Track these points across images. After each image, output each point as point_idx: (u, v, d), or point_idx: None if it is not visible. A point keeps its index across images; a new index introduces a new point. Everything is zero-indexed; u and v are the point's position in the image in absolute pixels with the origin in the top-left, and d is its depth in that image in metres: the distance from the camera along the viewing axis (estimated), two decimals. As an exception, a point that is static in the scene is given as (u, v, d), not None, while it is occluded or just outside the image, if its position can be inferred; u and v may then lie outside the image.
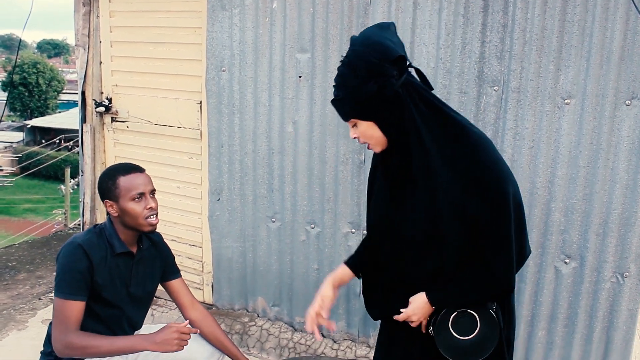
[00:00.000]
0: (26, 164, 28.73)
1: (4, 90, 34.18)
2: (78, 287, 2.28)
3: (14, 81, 32.73)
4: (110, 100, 4.27)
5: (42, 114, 34.06)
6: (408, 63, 1.72)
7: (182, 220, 4.10)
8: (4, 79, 35.10)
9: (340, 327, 3.62)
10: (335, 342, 3.65)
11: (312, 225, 3.60)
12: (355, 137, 1.83)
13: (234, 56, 3.65)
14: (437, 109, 1.76)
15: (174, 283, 2.71)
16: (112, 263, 2.39)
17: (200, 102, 3.88)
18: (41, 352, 2.52)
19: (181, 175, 4.04)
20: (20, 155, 29.33)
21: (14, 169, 29.07)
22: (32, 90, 32.78)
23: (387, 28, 1.73)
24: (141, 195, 2.35)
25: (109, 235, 2.39)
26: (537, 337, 3.15)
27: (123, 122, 4.26)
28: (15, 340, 3.64)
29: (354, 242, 3.50)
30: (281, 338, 3.73)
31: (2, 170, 29.05)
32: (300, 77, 3.48)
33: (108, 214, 2.43)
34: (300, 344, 3.66)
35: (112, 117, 4.31)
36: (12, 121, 34.45)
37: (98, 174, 4.33)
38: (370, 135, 1.79)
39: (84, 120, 4.37)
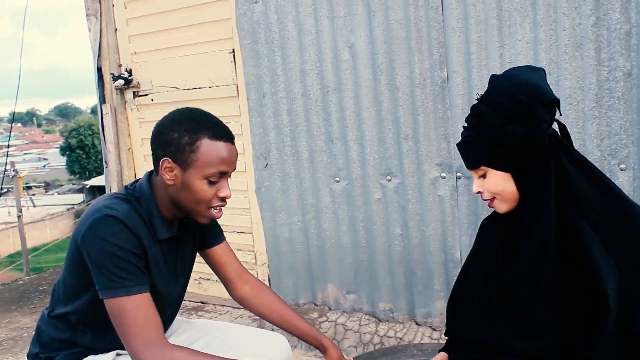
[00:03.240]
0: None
1: (63, 155, 35.09)
2: (141, 273, 1.57)
3: (72, 145, 33.52)
4: (130, 71, 3.63)
5: (100, 173, 34.58)
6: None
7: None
8: (62, 144, 36.08)
9: (440, 309, 2.73)
10: (434, 329, 2.76)
11: (389, 177, 2.77)
12: (478, 192, 1.54)
13: (268, -20, 2.94)
14: (588, 169, 1.49)
15: (218, 250, 1.94)
16: (155, 248, 1.66)
17: (233, 50, 3.19)
18: (47, 313, 1.78)
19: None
20: (81, 216, 29.63)
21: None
22: (88, 152, 33.24)
23: (537, 71, 1.51)
24: (221, 175, 1.60)
25: (147, 212, 1.63)
26: None
27: (146, 95, 3.61)
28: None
29: (446, 190, 2.65)
30: (362, 332, 2.87)
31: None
32: (352, -13, 2.72)
33: (151, 173, 1.68)
34: (389, 337, 2.79)
35: (134, 92, 3.65)
36: (73, 184, 34.99)
37: (124, 163, 3.68)
38: (501, 189, 1.50)
39: (103, 101, 3.73)
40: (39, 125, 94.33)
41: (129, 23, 3.63)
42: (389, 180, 2.77)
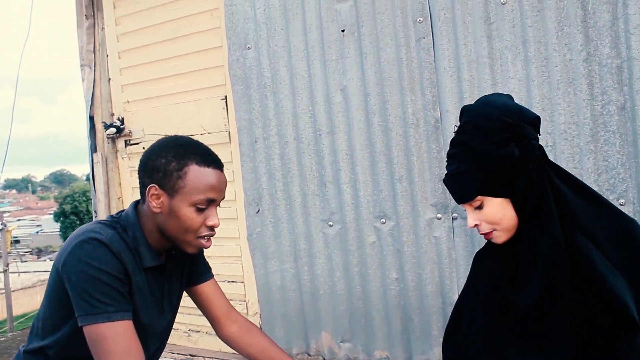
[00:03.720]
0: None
1: (57, 221, 34.91)
2: (124, 299, 1.49)
3: (66, 211, 33.37)
4: (122, 120, 3.60)
5: (94, 240, 34.23)
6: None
7: (216, 252, 3.24)
8: (56, 210, 35.96)
9: (438, 355, 2.61)
10: (434, 378, 2.63)
11: (383, 220, 2.70)
12: (475, 225, 1.49)
13: (260, 26, 2.96)
14: (574, 182, 1.48)
15: (205, 287, 1.87)
16: (140, 276, 1.58)
17: (225, 97, 3.17)
18: (23, 349, 1.67)
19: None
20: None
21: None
22: (82, 218, 32.98)
23: (508, 96, 1.51)
24: (209, 203, 1.55)
25: (133, 239, 1.56)
26: None
27: (138, 143, 3.56)
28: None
29: (442, 231, 2.58)
30: (359, 383, 2.73)
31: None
32: (343, 31, 2.74)
33: (137, 203, 1.63)
34: (386, 386, 2.65)
35: (125, 141, 3.61)
36: (66, 250, 34.61)
37: (114, 212, 3.59)
38: (500, 217, 1.45)
39: (94, 149, 3.68)
40: (33, 192, 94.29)
41: (123, 72, 3.63)
42: (384, 223, 2.70)
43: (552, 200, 1.41)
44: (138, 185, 1.60)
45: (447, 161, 1.51)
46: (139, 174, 1.60)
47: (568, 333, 1.37)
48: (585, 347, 1.35)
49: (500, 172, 1.41)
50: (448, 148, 1.52)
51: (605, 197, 2.24)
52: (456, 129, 1.52)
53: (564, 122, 2.32)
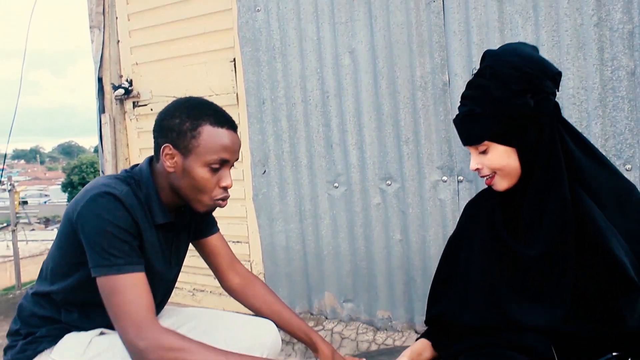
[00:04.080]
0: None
1: (64, 191, 35.07)
2: (135, 253, 1.50)
3: (73, 181, 33.50)
4: (130, 82, 3.61)
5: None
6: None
7: (222, 212, 3.24)
8: (64, 180, 36.12)
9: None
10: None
11: (388, 182, 2.70)
12: (476, 169, 1.49)
13: (270, -13, 2.93)
14: (583, 143, 1.47)
15: (211, 240, 1.90)
16: (151, 232, 1.60)
17: (234, 59, 3.16)
18: (31, 292, 1.69)
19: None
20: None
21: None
22: (89, 189, 33.01)
23: (534, 47, 1.48)
24: (223, 163, 1.55)
25: (146, 196, 1.57)
26: None
27: (146, 105, 3.57)
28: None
29: (447, 193, 2.58)
30: (360, 341, 2.76)
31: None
32: (354, -7, 2.71)
33: (151, 159, 1.63)
34: (387, 345, 2.69)
35: (133, 102, 3.62)
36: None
37: (122, 173, 3.62)
38: (503, 164, 1.44)
39: (102, 111, 3.69)
40: (42, 163, 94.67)
41: (132, 35, 3.62)
42: (389, 185, 2.71)
43: (562, 156, 1.41)
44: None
45: (460, 102, 1.49)
46: (153, 133, 1.60)
47: (568, 288, 1.38)
48: (583, 303, 1.36)
49: (511, 121, 1.40)
50: (455, 111, 1.52)
51: (612, 161, 2.26)
52: (475, 71, 1.49)
53: (573, 86, 2.31)
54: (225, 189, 1.57)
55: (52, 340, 1.60)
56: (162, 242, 1.64)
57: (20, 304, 1.67)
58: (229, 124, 1.57)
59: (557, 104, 1.45)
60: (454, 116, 1.52)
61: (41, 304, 1.62)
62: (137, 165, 1.66)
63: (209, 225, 1.88)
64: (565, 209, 1.38)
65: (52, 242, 1.66)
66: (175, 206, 1.65)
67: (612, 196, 1.42)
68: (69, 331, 1.61)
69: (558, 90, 1.46)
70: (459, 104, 1.51)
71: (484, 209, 1.60)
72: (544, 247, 1.39)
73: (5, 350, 1.67)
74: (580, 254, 1.38)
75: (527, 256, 1.42)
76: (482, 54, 2.39)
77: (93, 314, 1.60)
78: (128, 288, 1.44)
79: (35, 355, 1.58)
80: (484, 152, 1.45)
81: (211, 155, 1.51)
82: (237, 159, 1.61)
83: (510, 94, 1.38)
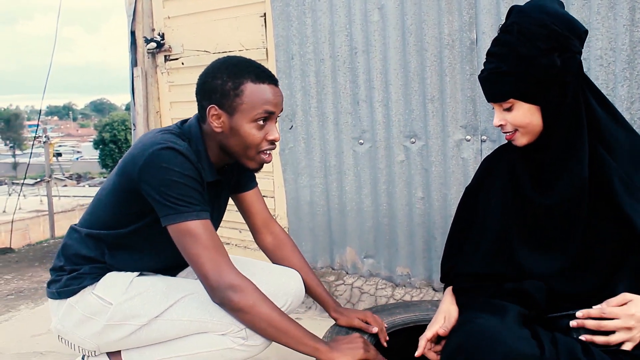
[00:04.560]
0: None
1: (96, 148, 35.55)
2: (205, 201, 1.59)
3: (105, 139, 33.92)
4: (162, 35, 3.64)
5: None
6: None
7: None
8: (95, 137, 36.61)
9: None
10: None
11: (413, 139, 2.72)
12: (500, 125, 1.50)
13: (302, -58, 2.92)
14: (608, 106, 1.48)
15: (248, 195, 1.98)
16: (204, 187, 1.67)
17: (264, 14, 3.17)
18: (51, 269, 1.79)
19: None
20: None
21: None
22: (121, 147, 33.28)
23: (560, 3, 1.47)
24: (268, 116, 1.60)
25: (196, 153, 1.63)
26: None
27: (177, 59, 3.61)
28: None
29: (470, 152, 2.59)
30: (378, 296, 2.82)
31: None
32: (385, -51, 2.69)
33: (199, 119, 1.67)
34: (405, 300, 2.73)
35: (165, 56, 3.66)
36: (104, 177, 35.36)
37: (152, 126, 3.69)
38: (527, 122, 1.45)
39: (134, 64, 3.74)
40: (74, 119, 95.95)
41: (164, -12, 3.65)
42: (413, 143, 2.73)
43: (584, 115, 1.42)
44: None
45: (486, 58, 1.49)
46: (196, 96, 1.66)
47: (580, 238, 1.42)
48: (590, 255, 1.40)
49: (537, 79, 1.40)
50: (483, 63, 1.52)
51: (637, 125, 2.25)
52: (500, 27, 1.49)
53: (601, 47, 2.29)
54: (272, 142, 1.64)
55: (95, 277, 1.69)
56: (208, 198, 1.70)
57: (64, 243, 1.75)
58: (270, 78, 1.62)
59: (580, 63, 1.44)
60: (480, 73, 1.53)
61: (87, 244, 1.70)
62: (186, 121, 1.72)
63: (247, 181, 1.95)
64: (583, 168, 1.40)
65: (99, 192, 1.72)
66: (222, 164, 1.72)
67: (628, 154, 1.44)
68: (110, 271, 1.69)
69: (583, 49, 1.45)
70: (484, 61, 1.51)
71: (504, 162, 1.63)
72: (559, 198, 1.43)
73: (49, 283, 1.76)
74: (594, 210, 1.41)
75: (543, 204, 1.45)
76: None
77: (137, 259, 1.69)
78: (204, 232, 1.53)
79: (78, 290, 1.68)
80: (508, 110, 1.46)
81: (256, 109, 1.57)
82: (282, 110, 1.67)
83: (537, 53, 1.37)
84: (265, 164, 1.68)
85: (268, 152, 1.64)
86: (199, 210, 1.53)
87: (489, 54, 1.49)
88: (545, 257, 1.45)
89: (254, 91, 1.57)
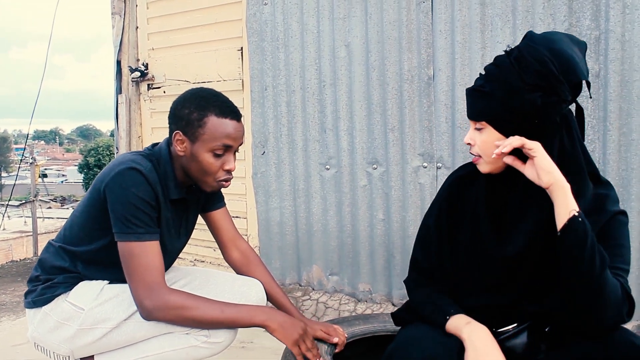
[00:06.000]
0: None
1: (80, 172, 35.34)
2: (153, 224, 1.65)
3: (89, 163, 33.75)
4: (146, 65, 3.78)
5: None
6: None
7: (223, 190, 3.43)
8: (81, 162, 36.39)
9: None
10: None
11: (374, 165, 2.87)
12: (468, 143, 1.42)
13: (277, -17, 3.09)
14: (584, 166, 1.38)
15: (216, 214, 2.04)
16: (167, 206, 1.75)
17: (242, 48, 3.32)
18: (28, 280, 1.87)
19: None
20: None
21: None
22: (105, 171, 33.22)
23: (578, 44, 1.36)
24: (226, 149, 1.68)
25: (163, 173, 1.73)
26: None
27: (159, 87, 3.74)
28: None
29: (427, 178, 2.74)
30: (342, 310, 2.93)
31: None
32: (352, -8, 2.86)
33: (168, 142, 1.77)
34: (364, 314, 2.84)
35: (148, 85, 3.79)
36: (88, 200, 35.02)
37: (134, 149, 3.79)
38: (490, 151, 1.37)
39: (119, 91, 3.86)
40: (60, 144, 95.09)
41: (149, 22, 3.78)
42: (375, 169, 2.87)
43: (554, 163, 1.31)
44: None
45: (480, 74, 1.41)
46: (168, 120, 1.75)
47: (527, 280, 1.39)
48: (535, 291, 1.37)
49: (513, 111, 1.32)
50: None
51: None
52: (508, 49, 1.39)
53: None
54: (229, 172, 1.72)
55: (68, 286, 1.76)
56: (174, 215, 1.79)
57: (41, 257, 1.83)
58: (233, 114, 1.69)
59: (569, 113, 1.37)
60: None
61: (62, 256, 1.78)
62: (158, 144, 1.82)
63: (215, 201, 2.03)
64: (541, 218, 1.35)
65: (76, 209, 1.81)
66: (188, 184, 1.80)
67: (589, 208, 1.35)
68: (83, 280, 1.78)
69: (575, 100, 1.36)
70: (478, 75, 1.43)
71: (469, 192, 1.53)
72: (516, 250, 1.39)
73: (26, 294, 1.83)
74: (548, 253, 1.36)
75: (504, 256, 1.41)
76: (465, 52, 2.57)
77: (109, 271, 1.76)
78: (144, 254, 1.61)
79: (53, 299, 1.74)
80: (480, 130, 1.39)
81: (215, 142, 1.64)
82: (241, 144, 1.75)
83: (522, 85, 1.30)
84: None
85: (225, 180, 1.72)
86: (143, 233, 1.61)
87: (485, 68, 1.41)
88: (487, 296, 1.45)
89: (215, 124, 1.64)
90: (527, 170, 1.32)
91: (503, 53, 1.38)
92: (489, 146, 1.37)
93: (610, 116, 2.37)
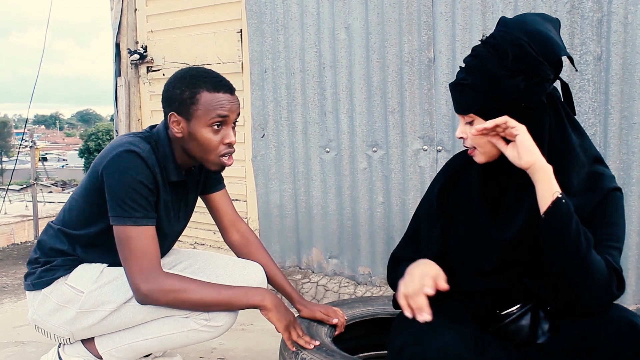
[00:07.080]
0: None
1: (81, 157, 35.30)
2: (151, 208, 1.62)
3: (90, 148, 33.70)
4: (145, 48, 3.72)
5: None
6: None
7: (223, 172, 3.39)
8: (81, 146, 36.36)
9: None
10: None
11: (374, 148, 2.83)
12: (461, 137, 1.41)
13: (276, -35, 3.03)
14: (578, 132, 1.38)
15: (216, 196, 2.01)
16: (165, 189, 1.71)
17: (241, 30, 3.26)
18: (27, 262, 1.84)
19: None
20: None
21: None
22: (105, 155, 33.25)
23: (551, 22, 1.35)
24: (223, 121, 1.63)
25: (162, 155, 1.69)
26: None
27: (159, 70, 3.69)
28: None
29: (427, 161, 2.71)
30: (341, 293, 2.91)
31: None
32: (352, -27, 2.80)
33: (166, 125, 1.72)
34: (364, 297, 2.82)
35: (147, 67, 3.74)
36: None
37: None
38: (484, 141, 1.35)
39: (118, 74, 3.81)
40: (61, 129, 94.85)
41: (148, 4, 3.72)
42: (375, 151, 2.83)
43: (546, 147, 1.32)
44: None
45: (459, 67, 1.39)
46: (162, 104, 1.72)
47: (525, 265, 1.38)
48: (532, 274, 1.36)
49: (498, 99, 1.30)
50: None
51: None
52: (484, 38, 1.37)
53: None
54: (230, 145, 1.68)
55: (68, 269, 1.74)
56: (173, 197, 1.76)
57: (40, 239, 1.81)
58: (225, 87, 1.65)
59: (554, 90, 1.35)
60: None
61: (61, 239, 1.75)
62: (155, 126, 1.78)
63: (215, 183, 2.00)
64: (534, 207, 1.31)
65: (75, 191, 1.78)
66: (188, 166, 1.77)
67: (584, 188, 1.36)
68: (81, 263, 1.75)
69: (558, 77, 1.36)
70: (458, 69, 1.41)
71: (465, 180, 1.51)
72: (514, 234, 1.37)
73: (26, 276, 1.81)
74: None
75: (502, 239, 1.39)
76: (465, 34, 2.52)
77: (107, 255, 1.73)
78: (139, 238, 1.58)
79: (52, 281, 1.73)
80: (470, 124, 1.37)
81: (210, 115, 1.61)
82: (237, 116, 1.70)
83: (503, 72, 1.28)
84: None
85: (227, 155, 1.68)
86: (140, 217, 1.58)
87: (464, 61, 1.39)
88: (487, 280, 1.42)
89: (208, 98, 1.61)
90: (509, 150, 1.31)
91: (480, 41, 1.36)
92: (481, 138, 1.36)
93: (612, 99, 2.33)
